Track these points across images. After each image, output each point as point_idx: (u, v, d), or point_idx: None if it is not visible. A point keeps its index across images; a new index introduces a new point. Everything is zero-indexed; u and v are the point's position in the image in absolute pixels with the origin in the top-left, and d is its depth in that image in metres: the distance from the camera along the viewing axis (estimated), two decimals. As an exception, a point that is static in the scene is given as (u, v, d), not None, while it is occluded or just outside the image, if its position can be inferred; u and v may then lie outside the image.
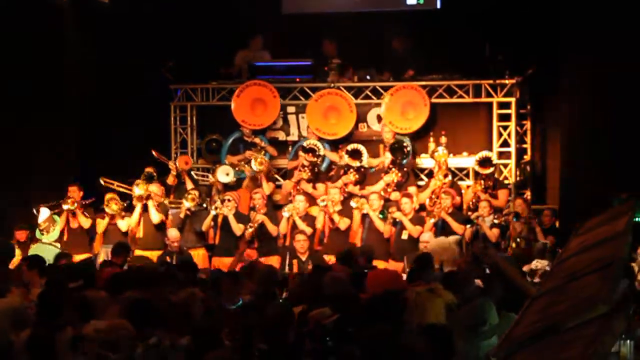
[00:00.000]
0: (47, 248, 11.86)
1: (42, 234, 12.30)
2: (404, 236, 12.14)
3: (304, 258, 11.66)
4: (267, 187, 13.18)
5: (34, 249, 11.75)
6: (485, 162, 12.92)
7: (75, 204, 12.63)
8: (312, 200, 12.98)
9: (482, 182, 12.84)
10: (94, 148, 13.87)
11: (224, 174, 13.42)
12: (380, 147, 13.58)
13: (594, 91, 12.87)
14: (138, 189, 12.62)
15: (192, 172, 13.94)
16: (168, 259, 11.52)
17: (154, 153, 13.63)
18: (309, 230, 12.21)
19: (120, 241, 11.92)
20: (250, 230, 12.29)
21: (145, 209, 12.68)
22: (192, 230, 12.77)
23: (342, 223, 12.38)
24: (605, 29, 12.39)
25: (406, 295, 7.42)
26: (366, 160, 13.16)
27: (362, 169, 13.20)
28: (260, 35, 14.67)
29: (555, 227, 12.42)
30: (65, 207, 12.58)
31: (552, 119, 13.97)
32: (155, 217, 12.60)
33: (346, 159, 13.12)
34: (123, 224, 12.71)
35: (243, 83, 14.23)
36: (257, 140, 13.83)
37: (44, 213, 12.29)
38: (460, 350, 5.44)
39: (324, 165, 13.67)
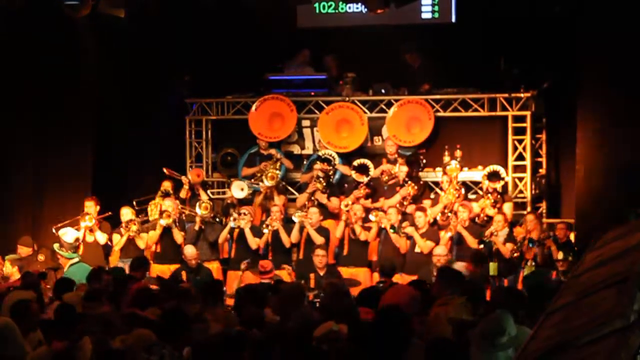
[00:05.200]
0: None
1: (74, 253, 12.25)
2: (418, 249, 12.12)
3: (322, 273, 11.65)
4: (278, 200, 13.20)
5: (77, 268, 11.64)
6: (494, 176, 12.89)
7: (93, 220, 12.66)
8: (326, 212, 12.97)
9: (490, 196, 12.79)
10: (110, 162, 13.93)
11: (239, 189, 13.43)
12: (384, 160, 13.53)
13: (610, 104, 12.83)
14: (164, 221, 12.60)
15: (207, 188, 13.99)
16: (184, 273, 11.53)
17: (165, 170, 13.62)
18: (321, 240, 12.20)
19: (139, 256, 11.96)
20: (266, 233, 12.28)
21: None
22: (206, 242, 12.78)
23: (363, 235, 12.37)
24: (622, 40, 12.36)
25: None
26: (373, 173, 13.16)
27: (372, 183, 13.20)
28: (308, 50, 14.70)
29: (570, 241, 12.34)
30: (83, 224, 12.59)
31: (568, 132, 13.92)
32: (179, 237, 12.63)
33: (353, 175, 13.11)
34: (141, 242, 12.75)
35: (258, 97, 14.28)
36: (272, 151, 13.85)
37: (71, 233, 12.28)
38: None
39: (336, 178, 13.65)
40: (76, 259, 11.97)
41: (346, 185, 13.54)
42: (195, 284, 10.19)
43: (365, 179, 13.04)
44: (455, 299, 7.72)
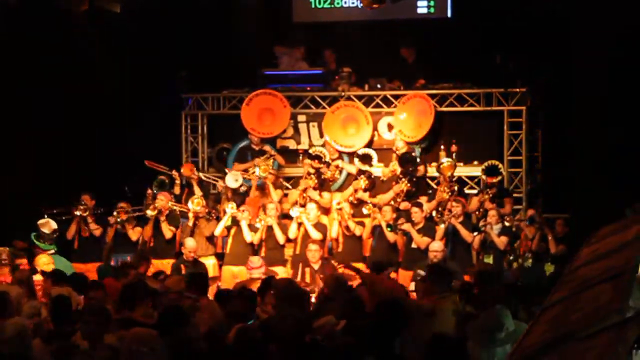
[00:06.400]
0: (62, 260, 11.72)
1: (50, 244, 12.18)
2: (414, 245, 12.13)
3: (316, 267, 11.67)
4: (274, 195, 13.20)
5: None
6: (492, 171, 12.91)
7: (87, 212, 12.67)
8: (321, 208, 12.98)
9: (489, 190, 12.81)
10: (107, 157, 13.92)
11: (233, 180, 13.40)
12: (393, 156, 13.55)
13: (607, 99, 12.87)
14: (149, 211, 12.65)
15: (203, 180, 13.96)
16: (183, 267, 11.53)
17: (146, 163, 13.56)
18: (319, 235, 12.22)
19: (140, 250, 11.98)
20: (259, 228, 12.30)
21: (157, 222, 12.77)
22: (202, 237, 12.77)
23: (358, 230, 12.39)
24: (618, 36, 12.39)
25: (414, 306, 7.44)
26: (376, 163, 13.16)
27: (373, 176, 13.20)
28: (304, 47, 14.68)
29: (568, 236, 12.36)
30: (77, 213, 12.62)
31: (564, 127, 13.94)
32: (168, 233, 12.65)
33: (356, 163, 13.10)
34: (133, 235, 12.76)
35: (253, 91, 14.26)
36: (266, 148, 13.83)
37: (50, 225, 12.22)
38: (476, 356, 5.45)
39: (342, 178, 13.61)
40: (52, 250, 11.91)
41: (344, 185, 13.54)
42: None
43: (368, 167, 13.01)
44: (445, 298, 7.75)
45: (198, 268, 11.59)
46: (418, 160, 13.32)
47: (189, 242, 11.99)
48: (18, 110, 13.08)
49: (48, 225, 12.06)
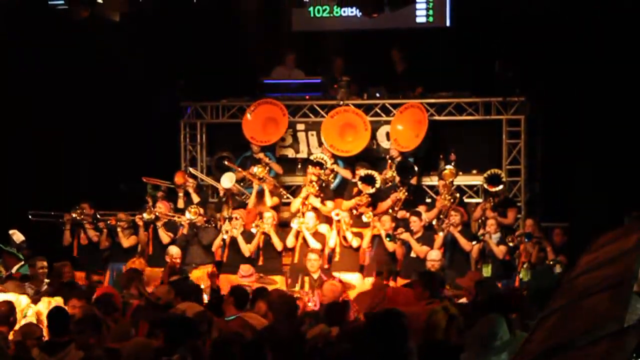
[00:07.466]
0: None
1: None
2: (413, 254, 12.12)
3: (315, 276, 11.66)
4: (270, 201, 13.16)
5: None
6: (494, 180, 12.89)
7: (82, 216, 12.72)
8: (321, 217, 12.95)
9: (492, 199, 12.79)
10: (105, 165, 13.92)
11: (228, 181, 13.41)
12: (389, 164, 13.51)
13: (605, 108, 12.87)
14: (146, 215, 12.70)
15: (202, 187, 13.95)
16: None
17: (144, 180, 13.62)
18: (318, 245, 12.20)
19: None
20: (255, 234, 12.25)
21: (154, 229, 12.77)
22: (200, 246, 12.76)
23: (355, 241, 12.37)
24: (616, 43, 12.40)
25: (417, 315, 7.43)
26: (378, 183, 13.11)
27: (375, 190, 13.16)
28: (294, 53, 14.67)
29: (567, 245, 12.35)
30: (74, 215, 12.66)
31: (563, 136, 13.94)
32: (165, 237, 12.66)
33: (359, 186, 12.94)
34: (126, 241, 12.76)
35: (253, 100, 14.24)
36: (261, 155, 13.81)
37: (18, 235, 12.25)
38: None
39: (336, 182, 13.59)
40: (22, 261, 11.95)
41: (346, 192, 13.46)
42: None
43: (371, 190, 12.90)
44: (434, 303, 7.78)
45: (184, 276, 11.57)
46: (415, 168, 13.30)
47: (172, 249, 12.01)
48: (18, 111, 13.09)
49: (16, 235, 12.13)
